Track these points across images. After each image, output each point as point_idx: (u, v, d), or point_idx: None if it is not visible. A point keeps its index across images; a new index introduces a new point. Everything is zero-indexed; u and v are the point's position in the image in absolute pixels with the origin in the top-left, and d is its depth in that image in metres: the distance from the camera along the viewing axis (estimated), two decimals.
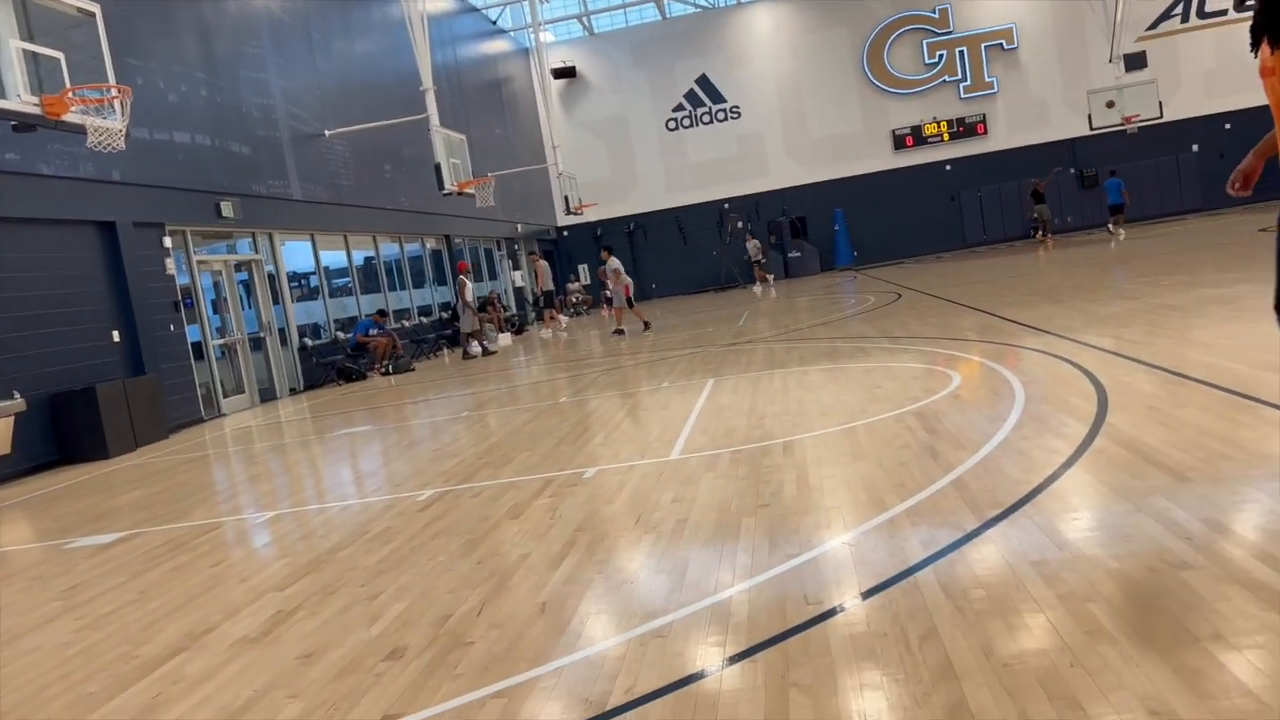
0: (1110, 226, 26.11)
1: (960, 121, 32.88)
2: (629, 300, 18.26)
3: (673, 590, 3.65)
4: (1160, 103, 30.28)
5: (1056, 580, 3.09)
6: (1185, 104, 31.39)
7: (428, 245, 23.46)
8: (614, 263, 18.61)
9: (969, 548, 3.54)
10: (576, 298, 30.33)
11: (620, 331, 18.11)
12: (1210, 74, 31.71)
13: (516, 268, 29.32)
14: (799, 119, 33.64)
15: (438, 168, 17.57)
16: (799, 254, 32.96)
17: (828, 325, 13.74)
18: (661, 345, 14.88)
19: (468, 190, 18.78)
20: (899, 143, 33.16)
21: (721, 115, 34.03)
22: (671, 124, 34.26)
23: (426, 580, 4.24)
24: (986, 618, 2.90)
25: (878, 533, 3.93)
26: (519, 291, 28.75)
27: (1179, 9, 31.81)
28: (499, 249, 28.91)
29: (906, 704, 2.46)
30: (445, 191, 17.82)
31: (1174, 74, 31.43)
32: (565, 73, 33.63)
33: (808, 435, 6.11)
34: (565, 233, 34.00)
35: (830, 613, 3.14)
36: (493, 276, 28.21)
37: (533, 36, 30.63)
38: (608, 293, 19.05)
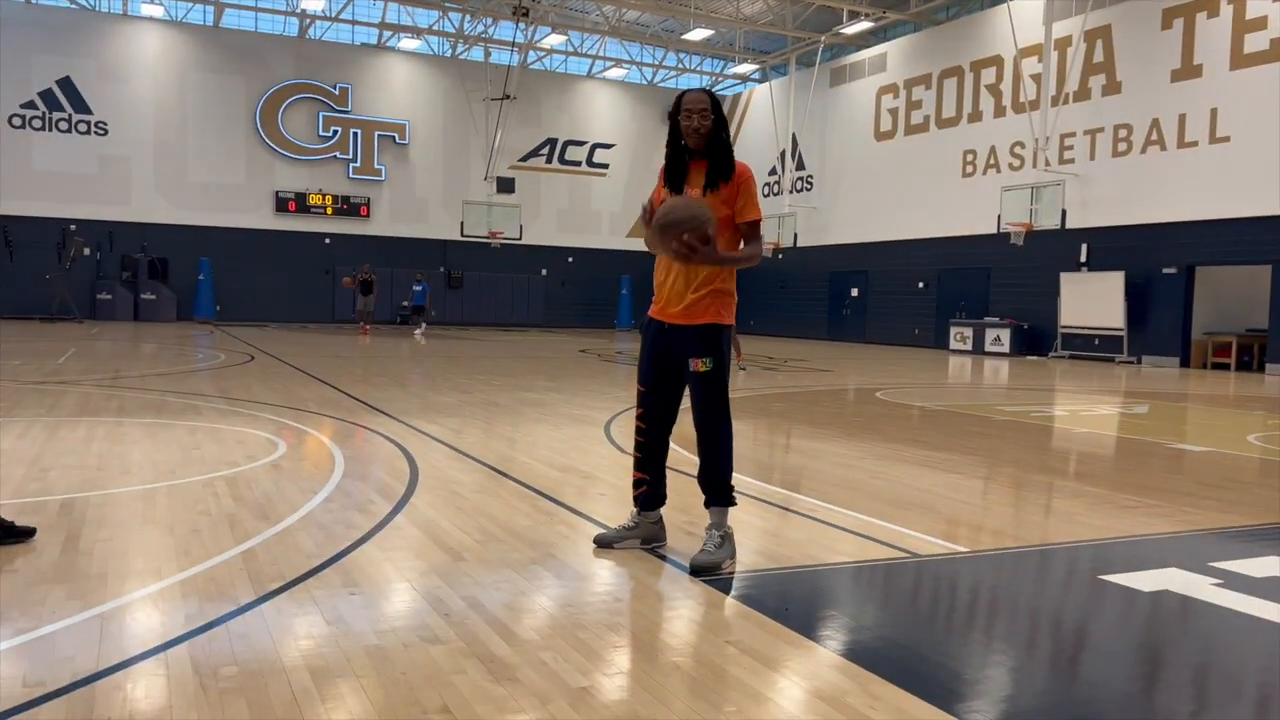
0: (419, 327, 28.20)
1: (346, 199, 33.53)
2: None
3: None
4: (521, 226, 34.42)
5: (315, 656, 3.05)
6: (541, 233, 36.07)
7: None
8: None
9: (236, 622, 3.35)
10: None
11: None
12: (563, 212, 37.01)
13: None
14: (178, 155, 31.29)
15: None
16: (153, 297, 30.18)
17: (166, 377, 12.60)
18: None
19: None
20: (281, 205, 32.62)
21: (84, 127, 30.17)
22: (17, 120, 29.39)
23: None
24: (230, 696, 2.73)
25: (140, 605, 3.54)
26: None
27: (545, 150, 36.80)
28: None
29: None
30: None
31: (536, 205, 36.04)
32: None
33: (97, 493, 5.40)
34: None
35: (48, 696, 2.69)
36: None
37: None
38: None
